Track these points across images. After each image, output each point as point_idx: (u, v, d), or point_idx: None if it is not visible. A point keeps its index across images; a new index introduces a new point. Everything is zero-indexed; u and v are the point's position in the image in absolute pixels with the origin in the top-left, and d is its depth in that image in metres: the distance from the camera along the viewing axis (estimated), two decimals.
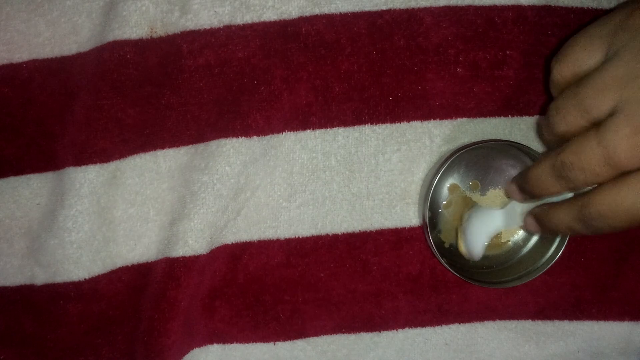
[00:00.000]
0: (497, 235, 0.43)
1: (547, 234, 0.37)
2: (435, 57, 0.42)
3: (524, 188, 0.36)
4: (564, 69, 0.34)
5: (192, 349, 0.43)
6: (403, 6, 0.42)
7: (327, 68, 0.42)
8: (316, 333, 0.44)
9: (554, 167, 0.33)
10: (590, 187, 0.32)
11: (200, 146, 0.42)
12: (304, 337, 0.44)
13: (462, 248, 0.42)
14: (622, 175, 0.30)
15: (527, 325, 0.44)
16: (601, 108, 0.30)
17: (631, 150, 0.29)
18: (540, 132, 0.42)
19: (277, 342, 0.44)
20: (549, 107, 0.34)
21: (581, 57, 0.33)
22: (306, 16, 0.42)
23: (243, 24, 0.42)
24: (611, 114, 0.30)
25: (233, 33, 0.42)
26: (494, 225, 0.40)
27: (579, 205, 0.32)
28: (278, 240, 0.43)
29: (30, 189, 0.43)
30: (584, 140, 0.31)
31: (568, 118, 0.32)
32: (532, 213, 0.37)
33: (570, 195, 0.35)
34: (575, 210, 0.33)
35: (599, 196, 0.31)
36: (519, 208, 0.39)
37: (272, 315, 0.43)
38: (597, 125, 0.31)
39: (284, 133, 0.42)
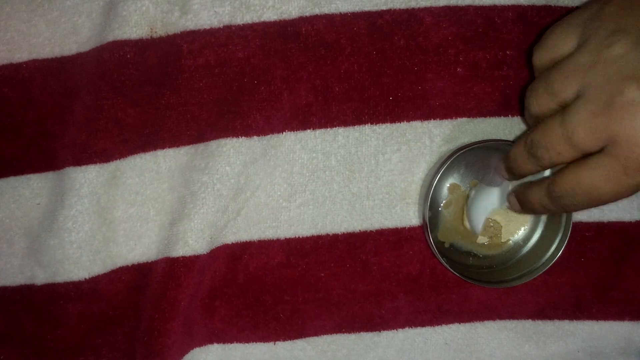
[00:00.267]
0: (497, 235, 0.43)
1: (528, 212, 0.38)
2: (435, 57, 0.42)
3: (507, 167, 0.38)
4: (542, 54, 0.35)
5: (192, 349, 0.43)
6: (403, 6, 0.42)
7: (327, 68, 0.42)
8: (316, 333, 0.44)
9: (525, 145, 0.35)
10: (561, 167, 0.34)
11: (200, 146, 0.42)
12: (304, 337, 0.44)
13: (466, 223, 0.43)
14: (585, 156, 0.32)
15: (527, 325, 0.44)
16: (567, 92, 0.32)
17: (589, 132, 0.31)
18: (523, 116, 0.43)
19: (277, 342, 0.44)
20: (527, 89, 0.36)
21: (557, 43, 0.34)
22: (306, 16, 0.42)
23: (243, 24, 0.42)
24: (576, 98, 0.32)
25: (233, 33, 0.42)
26: (491, 202, 0.41)
27: (547, 184, 0.34)
28: (278, 240, 0.43)
29: (30, 189, 0.43)
30: (550, 120, 0.33)
31: (539, 100, 0.34)
32: (513, 191, 0.39)
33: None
34: (544, 188, 0.35)
35: (562, 175, 0.33)
36: (510, 187, 0.41)
37: (272, 315, 0.43)
38: (564, 108, 0.32)
39: (284, 133, 0.42)
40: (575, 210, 0.34)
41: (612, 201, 0.32)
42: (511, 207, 0.40)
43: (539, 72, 0.36)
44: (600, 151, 0.31)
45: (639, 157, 0.29)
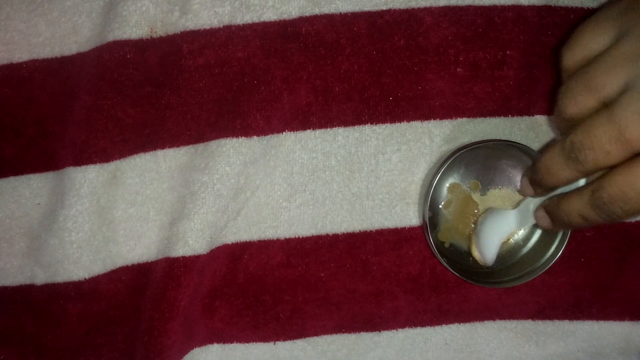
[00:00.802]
0: None
1: (560, 227, 0.35)
2: (435, 57, 0.42)
3: (534, 179, 0.35)
4: (575, 53, 0.33)
5: (192, 349, 0.43)
6: (403, 6, 0.42)
7: (327, 68, 0.42)
8: (316, 333, 0.44)
9: (563, 149, 0.31)
10: (602, 173, 0.31)
11: (200, 146, 0.42)
12: (304, 337, 0.44)
13: (476, 253, 0.41)
14: (636, 156, 0.29)
15: (527, 325, 0.44)
16: (611, 86, 0.29)
17: None
18: (553, 122, 0.40)
19: (277, 342, 0.44)
20: (558, 90, 0.33)
21: (591, 40, 0.32)
22: (306, 16, 0.42)
23: (243, 24, 0.42)
24: (622, 92, 0.29)
25: (233, 33, 0.42)
26: (507, 226, 0.39)
27: (591, 191, 0.31)
28: (278, 240, 0.43)
29: (30, 189, 0.43)
30: (595, 118, 0.30)
31: (578, 98, 0.31)
32: (543, 206, 0.36)
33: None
34: (587, 196, 0.31)
35: (611, 177, 0.30)
36: (532, 206, 0.38)
37: (272, 315, 0.43)
38: (608, 105, 0.30)
39: (284, 133, 0.42)
40: (623, 219, 0.30)
41: None
42: (538, 222, 0.37)
43: (570, 73, 0.33)
44: None
45: None
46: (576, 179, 0.32)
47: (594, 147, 0.29)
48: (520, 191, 0.39)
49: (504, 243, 0.43)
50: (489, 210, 0.41)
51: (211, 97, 0.42)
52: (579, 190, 0.33)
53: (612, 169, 0.30)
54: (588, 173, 0.31)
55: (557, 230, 0.37)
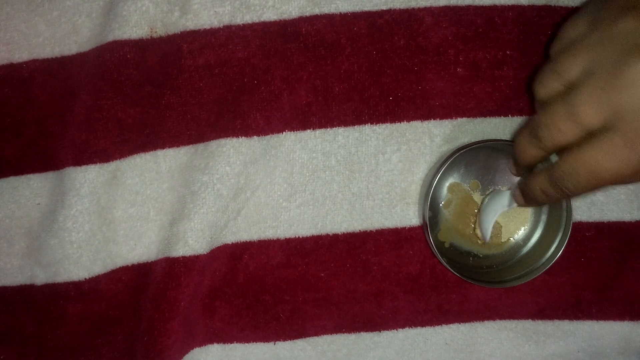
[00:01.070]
0: (497, 235, 0.43)
1: (530, 203, 0.37)
2: (435, 57, 0.42)
3: (514, 159, 0.38)
4: (555, 46, 0.35)
5: (192, 349, 0.43)
6: (403, 6, 0.42)
7: (327, 68, 0.42)
8: (316, 333, 0.44)
9: (530, 128, 0.34)
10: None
11: (200, 146, 0.42)
12: (304, 337, 0.44)
13: (477, 231, 0.42)
14: (591, 135, 0.31)
15: (527, 325, 0.44)
16: (573, 70, 0.31)
17: (592, 105, 0.30)
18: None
19: (277, 342, 0.44)
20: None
21: (568, 32, 0.34)
22: (306, 16, 0.42)
23: (243, 24, 0.42)
24: (583, 77, 0.31)
25: (233, 33, 0.42)
26: (500, 205, 0.41)
27: (549, 169, 0.34)
28: (278, 240, 0.43)
29: (30, 189, 0.43)
30: (555, 100, 0.32)
31: (545, 81, 0.33)
32: (517, 185, 0.39)
33: None
34: (545, 173, 0.34)
35: (565, 155, 0.32)
36: None
37: (272, 315, 0.43)
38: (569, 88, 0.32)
39: (284, 133, 0.42)
40: (577, 194, 0.33)
41: (614, 181, 0.31)
42: (516, 201, 0.39)
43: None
44: (603, 128, 0.30)
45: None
46: (542, 157, 0.35)
47: (550, 125, 0.32)
48: (510, 171, 0.41)
49: (504, 243, 0.43)
50: (491, 194, 0.42)
51: (211, 97, 0.42)
52: (541, 169, 0.35)
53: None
54: (549, 151, 0.34)
55: (529, 206, 0.39)
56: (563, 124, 0.31)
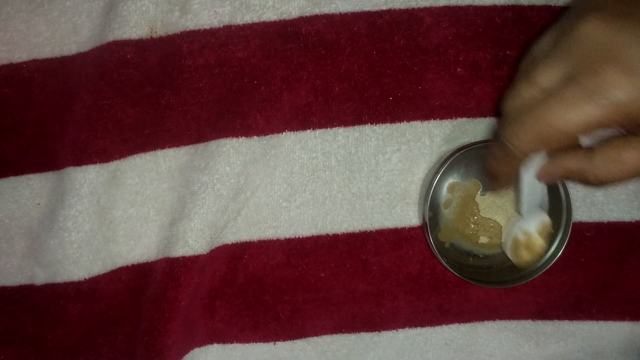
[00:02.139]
0: (497, 235, 0.43)
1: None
2: (435, 57, 0.42)
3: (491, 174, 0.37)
4: (526, 60, 0.35)
5: (192, 349, 0.43)
6: (403, 6, 0.42)
7: (327, 68, 0.42)
8: (316, 333, 0.44)
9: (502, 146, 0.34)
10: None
11: (200, 146, 0.42)
12: (304, 337, 0.44)
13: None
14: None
15: (527, 325, 0.44)
16: (547, 78, 0.31)
17: (545, 65, 0.31)
18: None
19: (277, 342, 0.44)
20: None
21: (537, 47, 0.34)
22: (306, 16, 0.42)
23: (243, 24, 0.42)
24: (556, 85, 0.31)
25: (233, 33, 0.42)
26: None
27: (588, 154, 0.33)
28: (278, 240, 0.43)
29: (30, 189, 0.43)
30: (531, 107, 0.32)
31: (520, 91, 0.33)
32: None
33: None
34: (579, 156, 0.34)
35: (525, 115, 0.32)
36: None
37: (272, 315, 0.43)
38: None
39: (284, 133, 0.42)
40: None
41: (577, 129, 0.30)
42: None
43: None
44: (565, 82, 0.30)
45: (595, 77, 0.29)
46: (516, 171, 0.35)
47: (512, 93, 0.33)
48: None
49: (504, 243, 0.43)
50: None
51: (211, 97, 0.42)
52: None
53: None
54: (505, 108, 0.34)
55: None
56: (520, 85, 0.32)
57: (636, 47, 0.28)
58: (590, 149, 0.32)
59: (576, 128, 0.29)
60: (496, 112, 0.43)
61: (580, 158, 0.33)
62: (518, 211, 0.39)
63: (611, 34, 0.29)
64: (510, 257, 0.40)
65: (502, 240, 0.41)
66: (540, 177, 0.36)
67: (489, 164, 0.36)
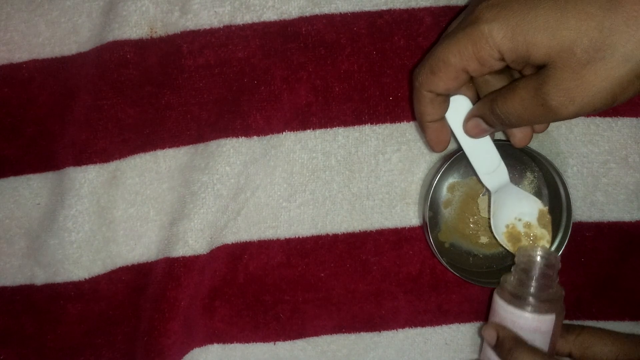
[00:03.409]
0: None
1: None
2: None
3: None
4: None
5: (192, 349, 0.43)
6: (403, 6, 0.42)
7: (327, 68, 0.42)
8: (316, 333, 0.44)
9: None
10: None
11: (200, 146, 0.42)
12: (304, 337, 0.44)
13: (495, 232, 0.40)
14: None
15: None
16: None
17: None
18: None
19: (277, 342, 0.44)
20: None
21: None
22: (306, 16, 0.42)
23: (243, 24, 0.42)
24: None
25: (233, 33, 0.42)
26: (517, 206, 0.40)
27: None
28: (278, 240, 0.43)
29: (30, 189, 0.43)
30: None
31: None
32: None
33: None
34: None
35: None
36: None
37: (272, 315, 0.43)
38: None
39: (284, 133, 0.42)
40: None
41: (457, 61, 0.32)
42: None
43: None
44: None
45: (471, 14, 0.32)
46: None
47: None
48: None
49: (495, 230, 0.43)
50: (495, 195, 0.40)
51: (211, 97, 0.42)
52: None
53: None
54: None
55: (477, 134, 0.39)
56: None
57: None
58: (493, 99, 0.35)
59: (455, 59, 0.33)
60: None
61: (485, 102, 0.35)
62: (482, 184, 0.40)
63: None
64: (511, 250, 0.40)
65: (493, 229, 0.40)
66: (466, 130, 0.38)
67: (416, 116, 0.37)
